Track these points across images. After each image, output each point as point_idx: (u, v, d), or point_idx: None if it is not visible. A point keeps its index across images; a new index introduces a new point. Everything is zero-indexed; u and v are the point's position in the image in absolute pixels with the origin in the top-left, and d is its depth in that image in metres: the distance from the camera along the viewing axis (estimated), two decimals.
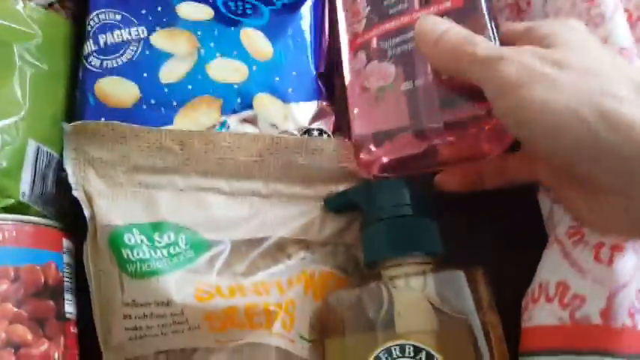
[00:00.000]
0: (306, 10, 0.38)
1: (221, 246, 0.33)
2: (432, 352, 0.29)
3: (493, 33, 0.32)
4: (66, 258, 0.32)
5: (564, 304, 0.30)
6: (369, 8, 0.36)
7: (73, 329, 0.32)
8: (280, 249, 0.35)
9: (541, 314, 0.31)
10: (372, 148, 0.34)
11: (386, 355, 0.29)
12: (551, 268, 0.32)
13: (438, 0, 0.34)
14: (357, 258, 0.36)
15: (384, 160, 0.35)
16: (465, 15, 0.33)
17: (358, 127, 0.35)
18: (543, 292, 0.31)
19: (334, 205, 0.35)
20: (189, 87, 0.34)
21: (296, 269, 0.34)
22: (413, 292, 0.31)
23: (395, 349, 0.29)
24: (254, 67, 0.35)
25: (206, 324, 0.31)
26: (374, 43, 0.35)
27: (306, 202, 0.35)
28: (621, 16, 0.33)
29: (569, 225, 0.32)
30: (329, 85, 0.37)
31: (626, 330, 0.29)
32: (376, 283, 0.31)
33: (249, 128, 0.35)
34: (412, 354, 0.29)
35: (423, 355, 0.29)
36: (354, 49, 0.36)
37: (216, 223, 0.34)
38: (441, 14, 0.33)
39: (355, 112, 0.36)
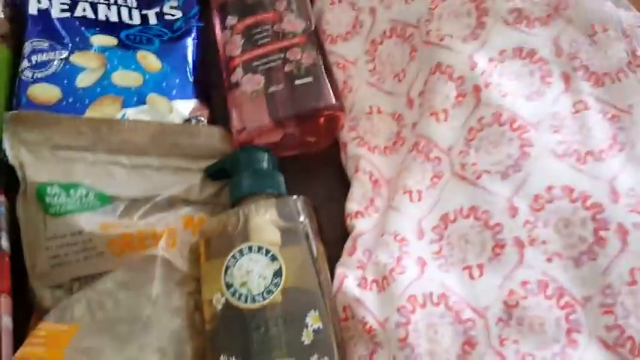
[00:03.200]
0: (187, 41, 0.52)
1: (121, 200, 0.45)
2: (276, 255, 0.41)
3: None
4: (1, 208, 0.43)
5: None
6: (243, 40, 0.50)
7: (7, 259, 0.42)
8: (170, 205, 0.46)
9: None
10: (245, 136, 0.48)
11: (239, 253, 0.41)
12: None
13: (289, 37, 0.49)
14: None
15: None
16: (306, 48, 0.49)
17: (237, 120, 0.48)
18: None
19: (210, 172, 0.48)
20: (98, 89, 0.47)
21: (180, 215, 0.45)
22: (261, 216, 0.43)
23: (245, 248, 0.41)
24: (147, 76, 0.49)
25: (109, 250, 0.42)
26: (248, 62, 0.49)
27: (189, 172, 0.47)
28: None
29: None
30: (205, 90, 0.51)
31: None
32: (234, 210, 0.43)
33: (144, 118, 0.47)
34: (258, 250, 0.40)
35: (269, 254, 0.40)
36: (233, 67, 0.50)
37: (118, 186, 0.45)
38: (291, 46, 0.49)
39: (234, 109, 0.49)
